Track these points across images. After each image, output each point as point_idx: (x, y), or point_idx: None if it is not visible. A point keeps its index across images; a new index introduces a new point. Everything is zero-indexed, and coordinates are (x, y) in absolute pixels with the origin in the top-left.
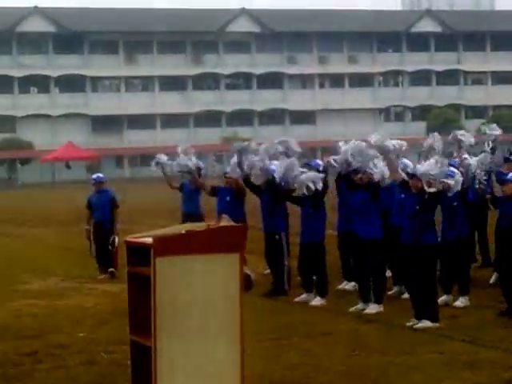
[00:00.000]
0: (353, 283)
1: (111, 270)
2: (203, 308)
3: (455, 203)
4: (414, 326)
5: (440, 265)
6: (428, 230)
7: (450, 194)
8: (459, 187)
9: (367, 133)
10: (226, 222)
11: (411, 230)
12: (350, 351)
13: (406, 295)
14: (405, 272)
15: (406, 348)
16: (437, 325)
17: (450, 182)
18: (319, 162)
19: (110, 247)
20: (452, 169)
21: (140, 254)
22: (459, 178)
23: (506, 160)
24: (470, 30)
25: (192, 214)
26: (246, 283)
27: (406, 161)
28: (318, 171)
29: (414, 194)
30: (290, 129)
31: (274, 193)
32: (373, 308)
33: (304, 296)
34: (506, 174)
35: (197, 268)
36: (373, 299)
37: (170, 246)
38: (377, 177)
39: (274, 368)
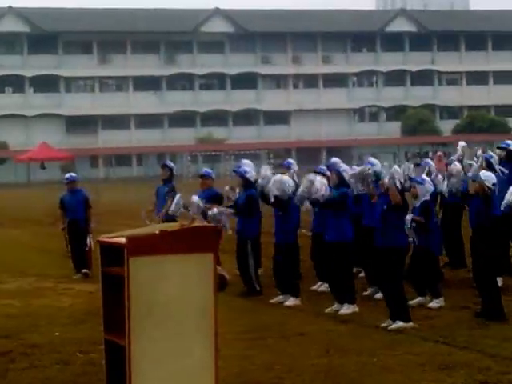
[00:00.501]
0: (327, 284)
1: (85, 271)
2: (177, 308)
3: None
4: (388, 327)
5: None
6: (397, 232)
7: (416, 204)
8: (428, 197)
9: (342, 133)
10: (199, 222)
11: (381, 232)
12: (325, 352)
13: (379, 295)
14: (377, 273)
15: (381, 349)
16: (410, 325)
17: (418, 188)
18: (291, 161)
19: (84, 247)
20: (423, 176)
21: (114, 254)
22: (429, 186)
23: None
24: (444, 29)
25: (167, 219)
26: (220, 283)
27: (372, 159)
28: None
29: (384, 196)
30: (264, 129)
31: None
32: (347, 308)
33: (280, 297)
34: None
35: (170, 268)
36: (346, 300)
37: (144, 245)
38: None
39: (249, 368)
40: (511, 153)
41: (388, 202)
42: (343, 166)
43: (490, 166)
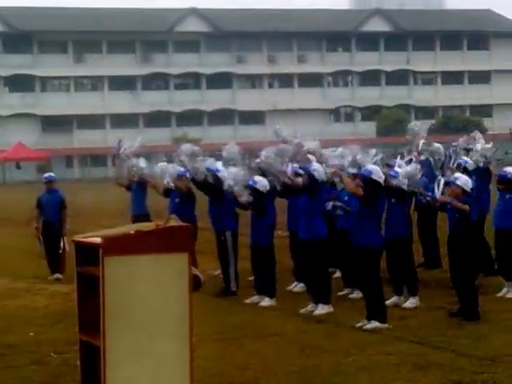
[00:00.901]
0: (302, 284)
1: (56, 276)
2: (152, 308)
3: (393, 200)
4: (364, 327)
5: (387, 266)
6: (371, 230)
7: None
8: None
9: (317, 133)
10: (174, 222)
11: (355, 231)
12: (300, 352)
13: (354, 295)
14: (354, 273)
15: (356, 349)
16: (385, 325)
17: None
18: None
19: (58, 250)
20: (397, 169)
21: (89, 254)
22: (403, 180)
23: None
24: (419, 29)
25: (140, 215)
26: (194, 284)
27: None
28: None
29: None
30: (239, 129)
31: (218, 191)
32: (322, 309)
33: (256, 297)
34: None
35: (145, 268)
36: (321, 300)
37: (119, 245)
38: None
39: (224, 368)
40: None
41: (360, 201)
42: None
43: (466, 171)
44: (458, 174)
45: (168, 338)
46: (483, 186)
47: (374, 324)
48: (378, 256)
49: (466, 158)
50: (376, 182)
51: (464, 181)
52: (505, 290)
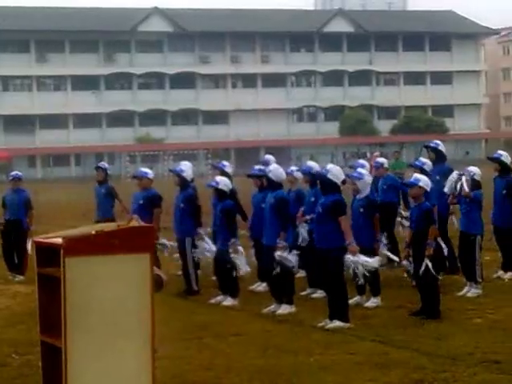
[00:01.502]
0: (265, 284)
1: (18, 279)
2: (114, 308)
3: (361, 209)
4: (326, 327)
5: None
6: (335, 232)
7: (359, 196)
8: (368, 190)
9: (280, 133)
10: (136, 222)
11: (318, 233)
12: (262, 351)
13: (317, 295)
14: (318, 274)
15: (318, 348)
16: (347, 325)
17: (358, 184)
18: (225, 163)
19: (25, 251)
20: (360, 170)
21: (50, 255)
22: (368, 179)
23: (409, 165)
24: (382, 30)
25: (106, 219)
26: (157, 284)
27: (310, 163)
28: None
29: (323, 198)
30: (202, 129)
31: (187, 196)
32: (284, 308)
33: (220, 297)
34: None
35: (107, 268)
36: (284, 300)
37: (80, 246)
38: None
39: (186, 368)
40: (440, 152)
41: (324, 204)
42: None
43: (423, 172)
44: (419, 176)
45: (130, 338)
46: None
47: (336, 323)
48: (342, 257)
49: (423, 160)
50: (334, 183)
51: (425, 182)
52: (466, 289)
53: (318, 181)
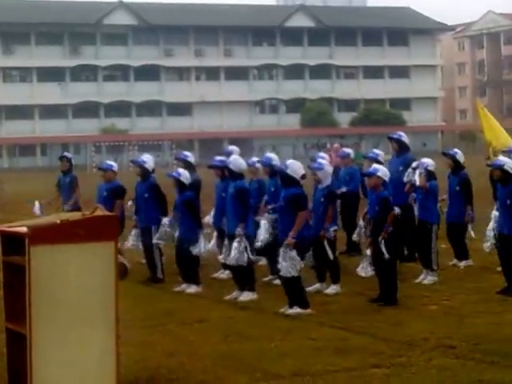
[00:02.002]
0: (228, 271)
1: None
2: (78, 296)
3: (322, 199)
4: (286, 313)
5: (313, 254)
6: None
7: (320, 186)
8: (329, 180)
9: (243, 125)
10: (100, 211)
11: (281, 224)
12: (224, 338)
13: (278, 281)
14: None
15: (279, 334)
16: (308, 311)
17: (319, 174)
18: (187, 153)
19: None
20: (320, 161)
21: (15, 243)
22: (328, 169)
23: (364, 157)
24: (342, 25)
25: (71, 210)
26: (121, 272)
27: (269, 155)
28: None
29: (284, 189)
30: (166, 120)
31: (150, 185)
32: (246, 295)
33: (183, 286)
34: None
35: (72, 257)
36: (246, 287)
37: (45, 235)
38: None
39: (150, 355)
40: (404, 143)
41: (285, 197)
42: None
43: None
44: (378, 166)
45: (94, 325)
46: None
47: (296, 310)
48: (305, 246)
49: (377, 151)
50: (294, 178)
51: (384, 172)
52: (422, 276)
53: (279, 175)
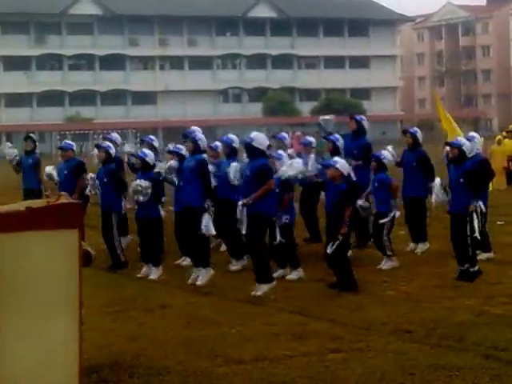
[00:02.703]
0: (189, 259)
1: None
2: (42, 283)
3: (277, 189)
4: (256, 294)
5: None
6: (261, 200)
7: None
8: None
9: (206, 113)
10: (64, 199)
11: (246, 196)
12: (186, 323)
13: (235, 267)
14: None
15: (240, 320)
16: (274, 284)
17: (277, 163)
18: (152, 137)
19: None
20: (280, 152)
21: None
22: (286, 159)
23: (324, 137)
24: (303, 16)
25: (32, 190)
26: (85, 259)
27: (231, 136)
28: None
29: (248, 164)
30: (131, 109)
31: (110, 170)
32: (203, 275)
33: (144, 269)
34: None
35: (35, 244)
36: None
37: (9, 222)
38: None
39: (113, 340)
40: (362, 126)
41: (251, 168)
42: (199, 135)
43: (335, 149)
44: (337, 158)
45: (58, 311)
46: (363, 167)
47: (264, 288)
48: (268, 224)
49: (337, 135)
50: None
51: (342, 164)
52: (382, 262)
53: (245, 149)
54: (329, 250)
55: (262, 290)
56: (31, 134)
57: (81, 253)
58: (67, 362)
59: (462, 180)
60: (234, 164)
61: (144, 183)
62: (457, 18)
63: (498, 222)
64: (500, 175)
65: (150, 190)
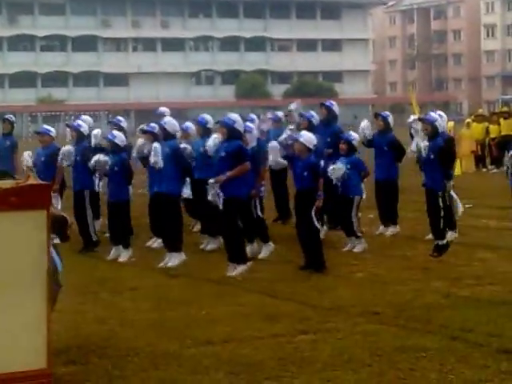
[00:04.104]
0: (160, 240)
1: None
2: (10, 265)
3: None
4: (233, 275)
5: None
6: (236, 182)
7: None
8: (254, 143)
9: (179, 96)
10: (33, 179)
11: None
12: (156, 305)
13: (210, 247)
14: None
15: (209, 301)
16: (249, 264)
17: (248, 136)
18: (120, 118)
19: None
20: (248, 124)
21: None
22: (255, 132)
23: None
24: None
25: (5, 172)
26: (61, 225)
27: (206, 116)
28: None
29: (223, 148)
30: (103, 91)
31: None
32: (175, 258)
33: (113, 251)
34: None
35: (4, 224)
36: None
37: None
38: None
39: (82, 323)
40: (333, 113)
41: (227, 149)
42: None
43: (311, 126)
44: (303, 132)
45: (26, 293)
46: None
47: (240, 268)
48: (243, 206)
49: (312, 112)
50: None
51: (307, 138)
52: (350, 244)
53: (226, 129)
54: (316, 224)
55: (238, 271)
56: (9, 116)
57: (49, 234)
58: (36, 343)
59: (432, 156)
60: (213, 136)
61: (103, 158)
62: (429, 1)
63: (467, 205)
64: (469, 159)
65: (107, 166)
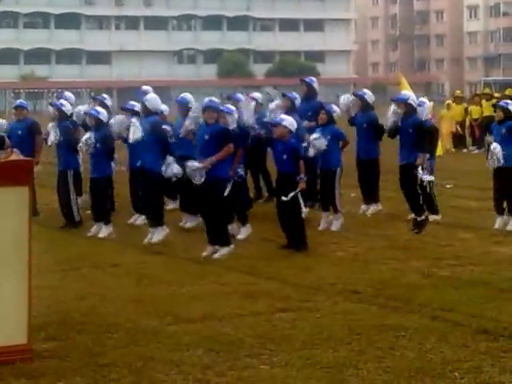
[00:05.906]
0: (143, 217)
1: None
2: None
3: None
4: (216, 257)
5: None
6: (220, 163)
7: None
8: (235, 125)
9: (161, 74)
10: (15, 156)
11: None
12: (137, 282)
13: (189, 225)
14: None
15: (190, 279)
16: (232, 247)
17: (228, 117)
18: (105, 95)
19: None
20: (229, 106)
21: None
22: (236, 116)
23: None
24: None
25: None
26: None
27: (187, 95)
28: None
29: (206, 128)
30: (86, 68)
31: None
32: (158, 233)
33: (94, 227)
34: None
35: None
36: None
37: None
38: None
39: (62, 299)
40: (313, 89)
41: (211, 132)
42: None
43: (293, 107)
44: (284, 116)
45: (7, 268)
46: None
47: (223, 251)
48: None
49: (295, 94)
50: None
51: (289, 121)
52: (324, 222)
53: (214, 112)
54: (284, 198)
55: (221, 253)
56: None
57: (31, 210)
58: (16, 319)
59: (411, 130)
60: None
61: (91, 140)
62: None
63: (447, 186)
64: (449, 139)
65: (90, 141)
